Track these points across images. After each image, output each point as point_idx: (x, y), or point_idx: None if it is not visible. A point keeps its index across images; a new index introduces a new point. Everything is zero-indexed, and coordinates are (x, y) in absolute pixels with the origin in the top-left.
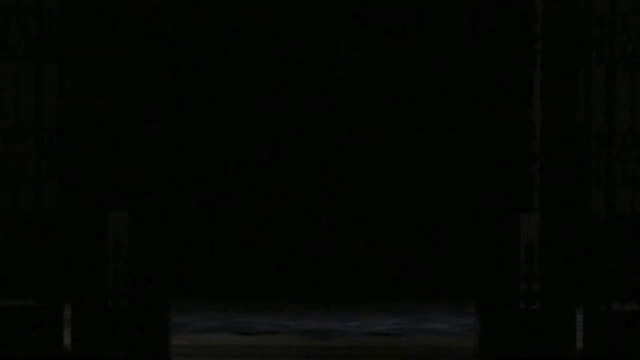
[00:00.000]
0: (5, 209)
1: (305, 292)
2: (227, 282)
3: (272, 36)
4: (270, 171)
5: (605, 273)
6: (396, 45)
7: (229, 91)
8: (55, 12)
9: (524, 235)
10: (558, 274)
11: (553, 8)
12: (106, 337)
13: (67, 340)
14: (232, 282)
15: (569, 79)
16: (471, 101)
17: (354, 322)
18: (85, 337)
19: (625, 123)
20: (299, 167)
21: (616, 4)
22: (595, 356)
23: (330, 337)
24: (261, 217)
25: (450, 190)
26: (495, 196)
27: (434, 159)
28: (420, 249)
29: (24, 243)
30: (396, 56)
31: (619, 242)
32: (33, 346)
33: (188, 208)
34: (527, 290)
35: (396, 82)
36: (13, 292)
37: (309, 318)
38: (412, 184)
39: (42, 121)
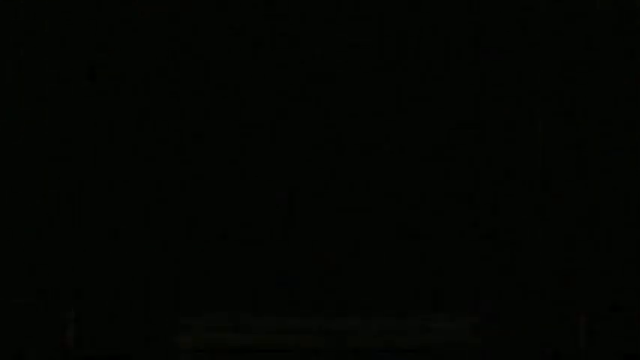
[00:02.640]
0: None
1: (307, 293)
2: (232, 282)
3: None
4: (274, 174)
5: (607, 274)
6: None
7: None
8: None
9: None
10: (560, 275)
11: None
12: (111, 337)
13: (69, 340)
14: (237, 282)
15: None
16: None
17: (355, 321)
18: (89, 337)
19: None
20: (302, 172)
21: None
22: (596, 356)
23: (331, 336)
24: (265, 218)
25: (448, 194)
26: (495, 199)
27: (437, 162)
28: (420, 249)
29: (28, 243)
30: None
31: (620, 243)
32: (36, 345)
33: (191, 209)
34: (529, 291)
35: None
36: (16, 292)
37: (312, 318)
38: (411, 186)
39: None
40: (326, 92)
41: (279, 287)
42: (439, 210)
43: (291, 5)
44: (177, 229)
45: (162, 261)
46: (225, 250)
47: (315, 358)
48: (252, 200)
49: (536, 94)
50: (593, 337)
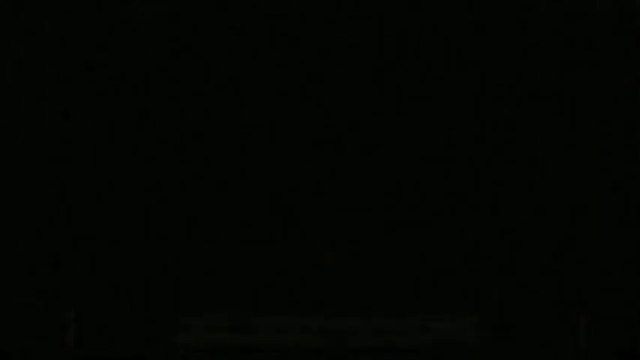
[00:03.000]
0: None
1: (307, 293)
2: (232, 282)
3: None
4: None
5: (607, 274)
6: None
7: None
8: None
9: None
10: (559, 276)
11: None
12: (111, 337)
13: (69, 340)
14: (237, 282)
15: None
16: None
17: (355, 322)
18: (89, 337)
19: None
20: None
21: None
22: (596, 356)
23: (331, 336)
24: (265, 218)
25: (448, 194)
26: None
27: (437, 162)
28: (421, 249)
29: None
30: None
31: (620, 243)
32: (36, 345)
33: (191, 209)
34: (529, 291)
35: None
36: (16, 292)
37: (312, 318)
38: (411, 186)
39: None
40: (326, 92)
41: (279, 287)
42: (439, 210)
43: (291, 5)
44: (177, 230)
45: (162, 261)
46: (225, 250)
47: (315, 358)
48: (252, 201)
49: (537, 94)
50: (593, 337)
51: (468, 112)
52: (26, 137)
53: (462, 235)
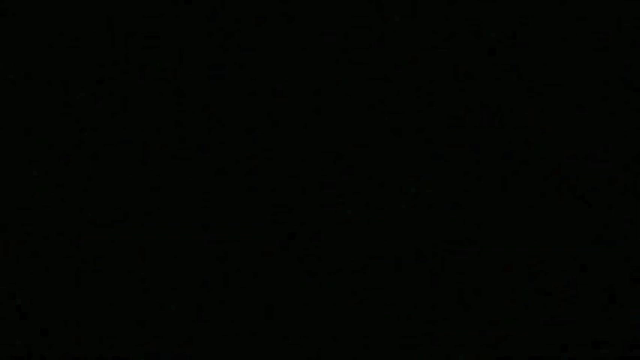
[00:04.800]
0: None
1: (305, 291)
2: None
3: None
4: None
5: (607, 273)
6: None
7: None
8: None
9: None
10: (560, 275)
11: None
12: (109, 337)
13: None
14: (237, 282)
15: None
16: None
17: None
18: (88, 337)
19: None
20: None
21: None
22: (596, 355)
23: (331, 335)
24: (264, 218)
25: (448, 193)
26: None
27: (436, 161)
28: (422, 248)
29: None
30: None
31: (620, 242)
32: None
33: (190, 208)
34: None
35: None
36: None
37: (312, 317)
38: (410, 184)
39: None
40: (325, 91)
41: (278, 287)
42: (439, 209)
43: (289, 5)
44: (177, 228)
45: (162, 260)
46: (225, 249)
47: (317, 357)
48: (251, 200)
49: (536, 93)
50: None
51: (464, 113)
52: (26, 137)
53: (462, 235)
